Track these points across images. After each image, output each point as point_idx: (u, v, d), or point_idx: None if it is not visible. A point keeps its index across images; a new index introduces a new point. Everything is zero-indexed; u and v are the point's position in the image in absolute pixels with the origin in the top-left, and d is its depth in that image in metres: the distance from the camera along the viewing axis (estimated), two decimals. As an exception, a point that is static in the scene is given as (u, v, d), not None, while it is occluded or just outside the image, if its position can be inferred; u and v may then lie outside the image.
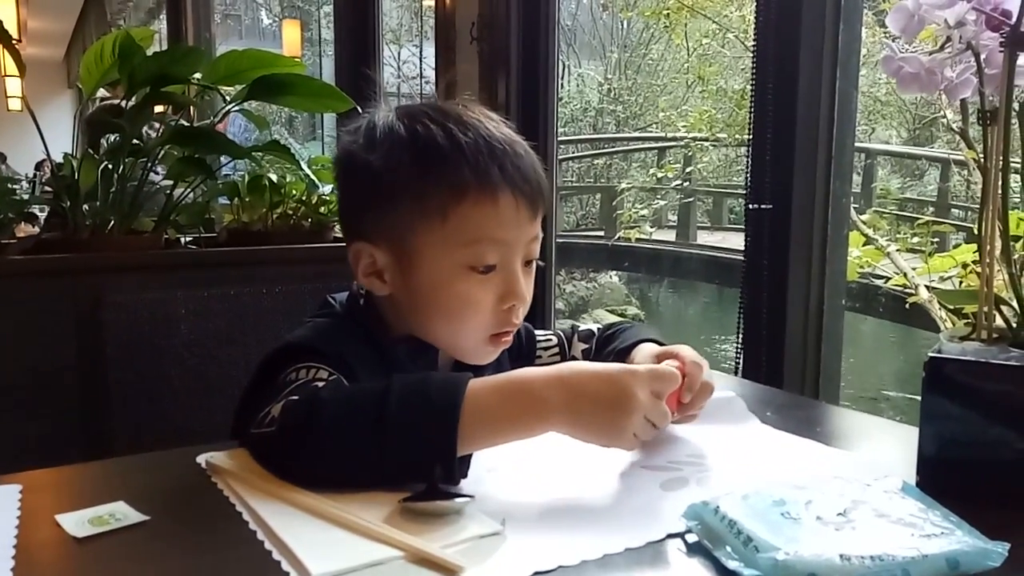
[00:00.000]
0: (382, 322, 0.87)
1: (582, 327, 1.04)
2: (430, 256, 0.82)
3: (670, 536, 0.57)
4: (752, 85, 1.51)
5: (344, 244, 0.89)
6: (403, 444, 0.64)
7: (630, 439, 0.68)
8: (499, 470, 0.70)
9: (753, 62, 1.51)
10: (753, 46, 1.52)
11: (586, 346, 1.01)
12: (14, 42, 1.82)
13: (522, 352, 1.01)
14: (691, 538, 0.56)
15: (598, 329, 1.02)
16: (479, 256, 0.81)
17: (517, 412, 0.67)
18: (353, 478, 0.65)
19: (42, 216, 2.02)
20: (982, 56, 0.67)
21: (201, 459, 0.70)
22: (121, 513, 0.59)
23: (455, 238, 0.81)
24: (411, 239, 0.82)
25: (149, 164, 1.66)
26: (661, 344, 0.91)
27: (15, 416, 1.27)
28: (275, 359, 0.78)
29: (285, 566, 0.52)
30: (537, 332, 1.04)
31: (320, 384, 0.72)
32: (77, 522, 0.57)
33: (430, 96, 1.10)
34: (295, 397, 0.69)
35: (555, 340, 1.02)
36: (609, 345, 0.97)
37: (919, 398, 0.65)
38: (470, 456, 0.67)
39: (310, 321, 0.90)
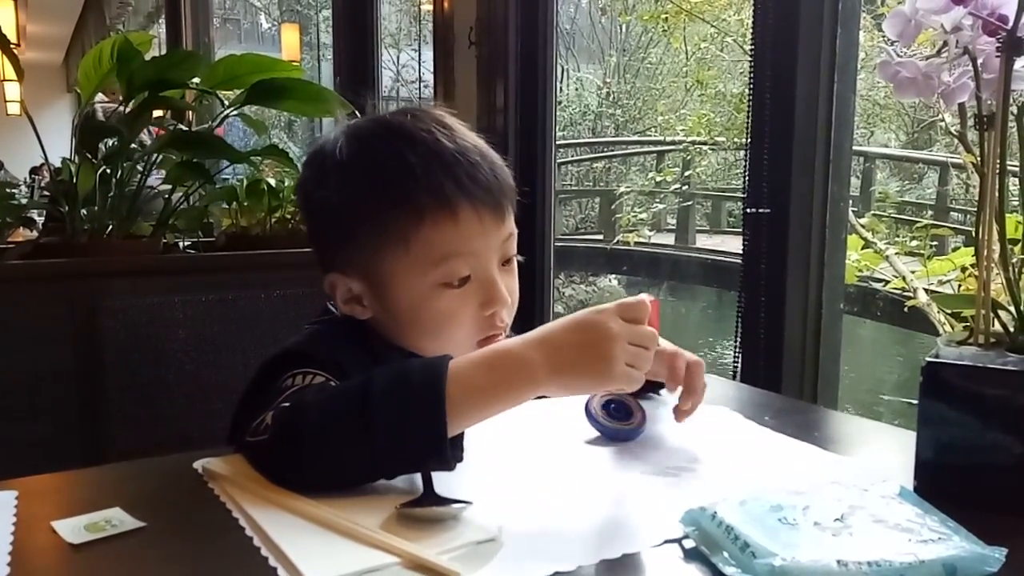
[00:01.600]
0: (379, 331, 0.87)
1: None
2: (402, 281, 0.80)
3: (667, 542, 0.57)
4: (750, 89, 1.51)
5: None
6: (390, 431, 0.63)
7: (622, 370, 0.66)
8: (496, 476, 0.70)
9: (751, 66, 1.51)
10: (751, 50, 1.52)
11: None
12: (13, 47, 1.82)
13: None
14: (688, 544, 0.56)
15: None
16: (450, 273, 0.79)
17: (503, 379, 0.66)
18: (347, 476, 0.65)
19: (40, 221, 2.02)
20: (979, 61, 0.67)
21: (198, 465, 0.69)
22: (117, 519, 0.58)
23: (422, 260, 0.79)
24: (379, 267, 0.81)
25: (147, 169, 1.66)
26: None
27: (12, 420, 1.27)
28: (272, 366, 0.78)
29: (282, 572, 0.52)
30: None
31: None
32: (73, 528, 0.57)
33: (427, 100, 1.10)
34: (286, 404, 0.68)
35: None
36: None
37: (915, 401, 0.65)
38: (462, 438, 0.66)
39: (308, 328, 0.90)
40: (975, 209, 0.69)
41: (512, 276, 0.86)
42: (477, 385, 0.65)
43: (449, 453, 0.63)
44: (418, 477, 0.65)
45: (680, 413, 0.82)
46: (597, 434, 0.81)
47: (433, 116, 0.85)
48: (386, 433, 0.63)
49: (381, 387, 0.65)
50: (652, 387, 0.91)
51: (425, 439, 0.63)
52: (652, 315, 0.73)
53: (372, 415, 0.64)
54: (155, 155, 1.66)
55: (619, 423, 0.82)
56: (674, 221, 9.51)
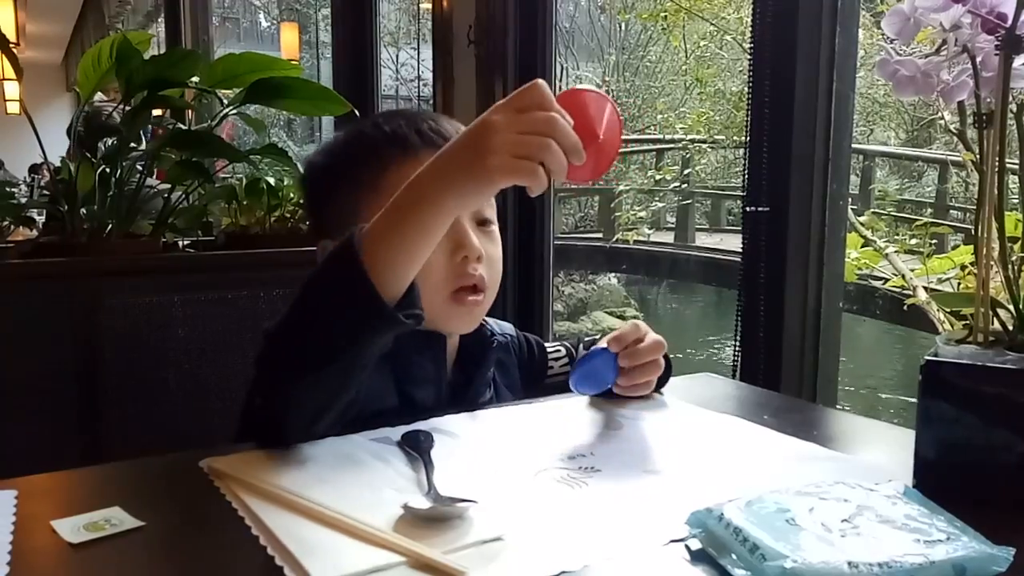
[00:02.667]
0: None
1: (587, 338, 1.06)
2: None
3: (672, 542, 0.57)
4: (749, 87, 1.51)
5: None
6: (326, 302, 0.66)
7: (500, 161, 0.62)
8: (501, 475, 0.70)
9: (750, 64, 1.51)
10: (750, 48, 1.52)
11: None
12: (12, 46, 1.81)
13: (534, 364, 1.03)
14: (694, 544, 0.56)
15: (599, 338, 1.04)
16: None
17: (401, 207, 0.66)
18: (327, 376, 0.67)
19: (40, 220, 2.02)
20: (978, 59, 0.67)
21: (203, 464, 0.69)
22: (117, 519, 0.58)
23: None
24: (355, 221, 0.84)
25: (146, 168, 1.66)
26: None
27: (11, 420, 1.27)
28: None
29: (287, 572, 0.52)
30: (546, 344, 1.06)
31: None
32: (72, 528, 0.57)
33: (426, 98, 1.15)
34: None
35: (563, 351, 1.05)
36: None
37: (913, 399, 0.65)
38: (413, 297, 0.67)
39: None
40: (975, 207, 0.69)
41: (491, 240, 0.89)
42: (383, 226, 0.66)
43: (385, 305, 0.64)
44: (423, 476, 0.65)
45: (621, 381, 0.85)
46: (602, 434, 0.81)
47: (429, 111, 0.94)
48: (326, 316, 0.65)
49: (309, 275, 0.68)
50: (657, 386, 0.92)
51: (355, 295, 0.63)
52: (588, 108, 0.67)
53: (307, 299, 0.67)
54: (154, 154, 1.66)
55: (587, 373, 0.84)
56: (673, 219, 9.51)
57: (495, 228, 0.90)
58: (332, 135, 0.99)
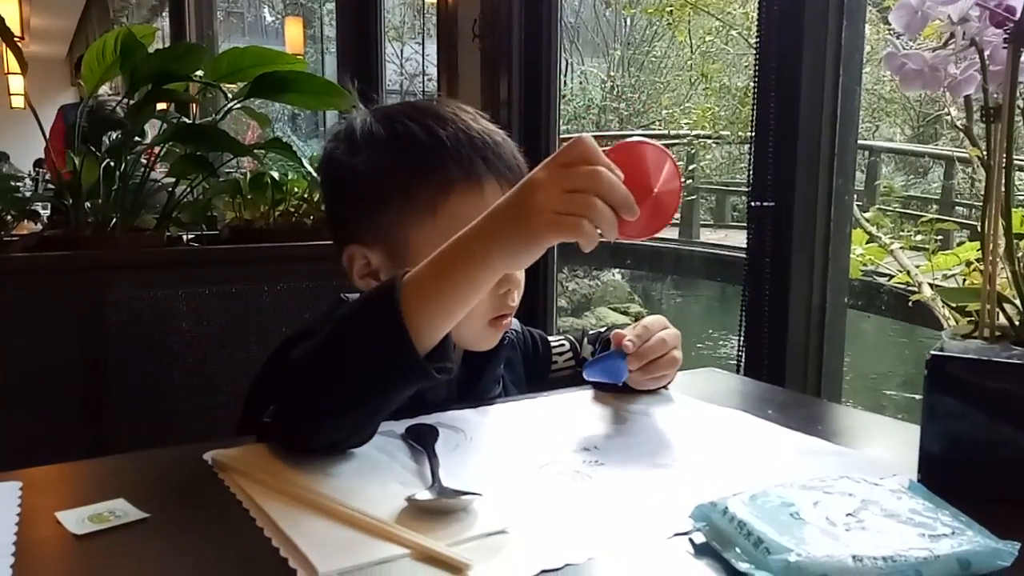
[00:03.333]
0: None
1: (591, 331, 1.06)
2: (424, 251, 0.81)
3: (677, 535, 0.57)
4: (755, 82, 1.50)
5: (334, 248, 0.91)
6: (357, 350, 0.64)
7: (546, 219, 0.60)
8: (506, 468, 0.70)
9: (756, 59, 1.51)
10: (756, 43, 1.52)
11: (593, 348, 1.02)
12: (16, 39, 1.82)
13: (538, 358, 1.03)
14: (697, 538, 0.56)
15: (603, 331, 1.03)
16: None
17: (447, 264, 0.64)
18: (351, 415, 0.66)
19: (45, 214, 2.02)
20: (986, 53, 0.66)
21: (207, 456, 0.70)
22: (121, 510, 0.59)
23: (446, 232, 0.80)
24: (403, 237, 0.83)
25: (150, 162, 1.66)
26: None
27: (16, 413, 1.28)
28: (285, 347, 0.78)
29: (292, 564, 0.52)
30: (550, 338, 1.05)
31: None
32: (77, 519, 0.57)
33: (431, 93, 1.11)
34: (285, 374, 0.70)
35: (567, 345, 1.05)
36: None
37: (918, 396, 0.65)
38: (446, 348, 0.65)
39: (321, 316, 0.91)
40: (980, 203, 0.69)
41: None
42: (426, 279, 0.64)
43: (419, 360, 0.62)
44: (427, 469, 0.65)
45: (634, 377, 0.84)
46: (606, 428, 0.81)
47: (456, 103, 0.89)
48: (356, 360, 0.64)
49: (343, 314, 0.66)
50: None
51: (391, 345, 0.62)
52: (642, 161, 0.65)
53: (340, 339, 0.65)
54: (159, 148, 1.66)
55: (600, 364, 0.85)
56: (678, 215, 9.50)
57: None
58: (351, 123, 0.87)
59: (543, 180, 0.61)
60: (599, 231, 0.61)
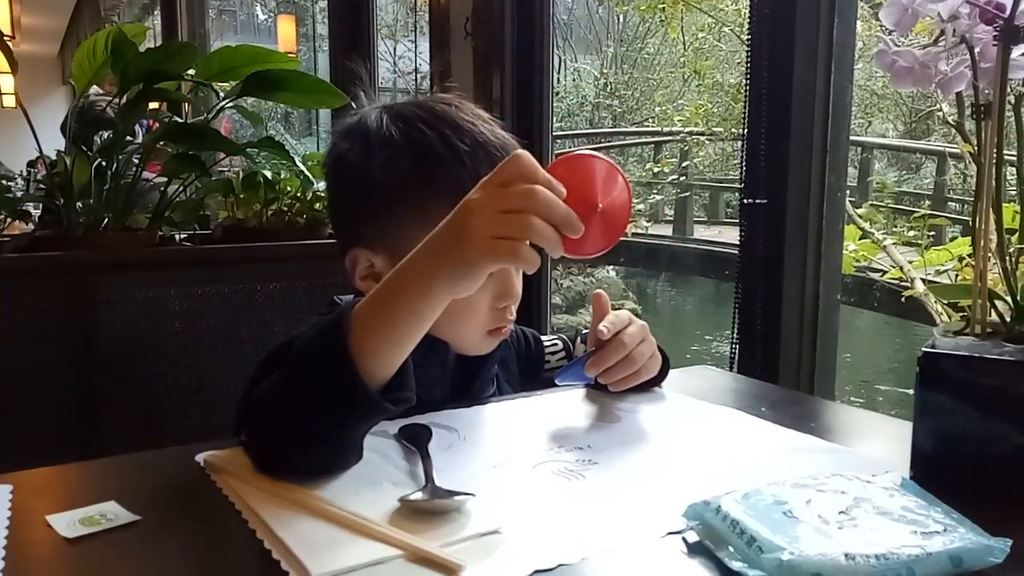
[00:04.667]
0: None
1: (584, 330, 1.05)
2: None
3: (670, 534, 0.57)
4: (747, 79, 1.50)
5: (336, 246, 0.89)
6: (312, 388, 0.62)
7: (482, 244, 0.57)
8: (499, 468, 0.70)
9: (748, 56, 1.51)
10: (748, 39, 1.52)
11: (586, 347, 1.02)
12: (7, 38, 1.81)
13: (531, 357, 1.03)
14: (691, 537, 0.56)
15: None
16: None
17: (392, 293, 0.62)
18: (316, 450, 0.64)
19: (36, 214, 2.01)
20: (976, 50, 0.67)
21: (200, 458, 0.69)
22: (112, 513, 0.58)
23: None
24: (411, 247, 0.82)
25: (142, 161, 1.66)
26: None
27: (7, 414, 1.27)
28: (275, 356, 0.78)
29: (284, 566, 0.52)
30: (543, 337, 1.05)
31: None
32: (68, 523, 0.57)
33: (424, 91, 1.09)
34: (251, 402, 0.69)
35: (560, 344, 1.05)
36: None
37: (912, 390, 0.65)
38: (406, 378, 0.64)
39: (315, 319, 0.90)
40: (973, 199, 0.69)
41: (519, 273, 0.87)
42: (372, 308, 0.62)
43: (372, 394, 0.61)
44: (420, 469, 0.65)
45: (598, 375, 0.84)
46: (600, 427, 0.81)
47: (473, 108, 0.86)
48: (308, 397, 0.63)
49: (298, 348, 0.65)
50: (655, 381, 0.92)
51: (340, 380, 0.61)
52: (586, 175, 0.61)
53: (295, 375, 0.64)
54: (151, 147, 1.65)
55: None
56: (672, 212, 9.51)
57: None
58: (365, 121, 0.85)
59: (478, 202, 0.58)
60: (543, 250, 0.58)
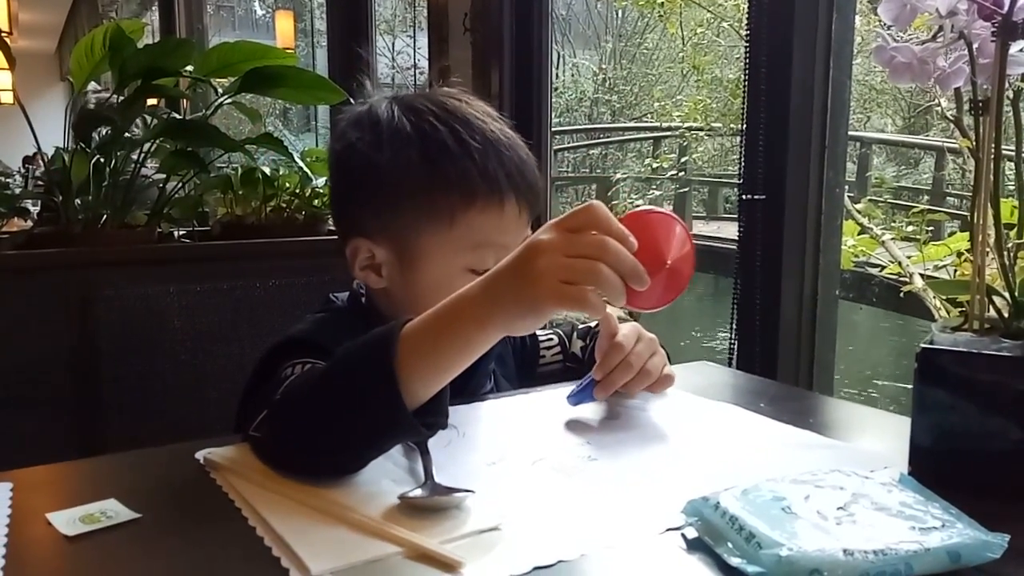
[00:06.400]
0: (383, 318, 0.87)
1: (580, 325, 1.05)
2: (434, 258, 0.82)
3: (669, 530, 0.57)
4: (745, 74, 1.50)
5: (336, 235, 0.89)
6: (349, 405, 0.62)
7: (548, 287, 0.57)
8: (498, 464, 0.70)
9: (746, 51, 1.51)
10: (746, 35, 1.51)
11: (583, 343, 1.02)
12: (4, 35, 1.80)
13: (526, 352, 1.03)
14: (690, 533, 0.56)
15: (593, 325, 1.03)
16: (482, 260, 0.81)
17: (447, 325, 0.61)
18: (337, 458, 0.64)
19: (34, 211, 2.01)
20: (974, 46, 0.67)
21: (200, 455, 0.69)
22: (112, 511, 0.58)
23: (461, 242, 0.81)
24: (415, 240, 0.82)
25: (140, 158, 1.65)
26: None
27: (6, 411, 1.27)
28: (275, 354, 0.78)
29: (285, 563, 0.52)
30: (539, 332, 1.05)
31: None
32: (68, 520, 0.57)
33: (423, 87, 1.09)
34: (277, 397, 0.68)
35: (555, 339, 1.04)
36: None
37: (910, 385, 0.65)
38: (441, 403, 0.64)
39: (311, 316, 0.90)
40: (970, 194, 0.69)
41: None
42: (423, 335, 0.62)
43: (408, 417, 0.61)
44: (420, 466, 0.65)
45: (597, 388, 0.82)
46: (599, 423, 0.82)
47: (482, 105, 0.87)
48: (346, 408, 0.62)
49: (342, 353, 0.64)
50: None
51: (383, 407, 0.61)
52: (656, 231, 0.62)
53: (332, 389, 0.63)
54: (149, 144, 1.65)
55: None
56: (671, 207, 9.52)
57: None
58: (375, 111, 0.85)
59: (547, 245, 0.58)
60: (605, 300, 0.58)
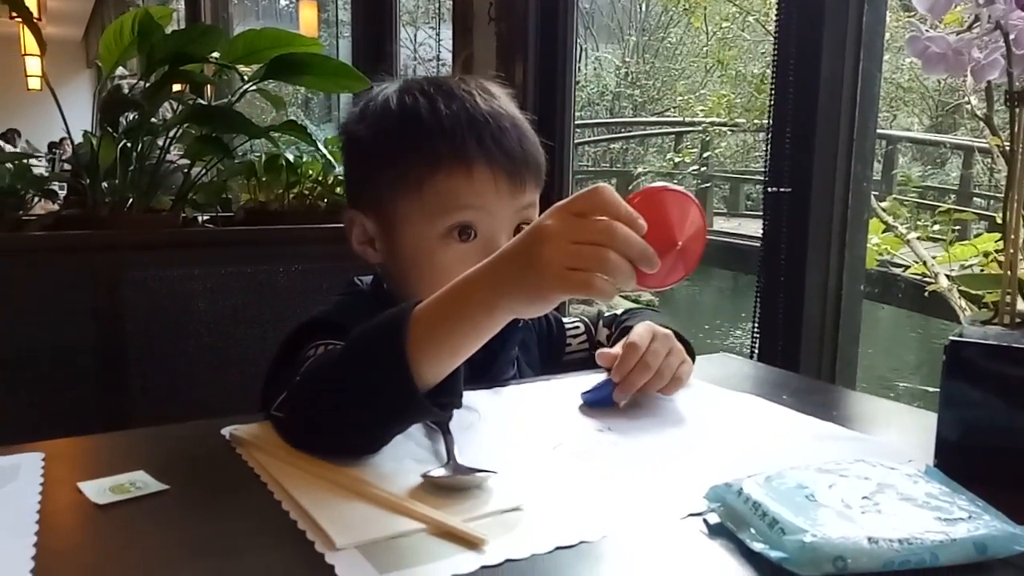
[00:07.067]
0: (397, 300, 0.87)
1: (607, 313, 1.05)
2: (411, 227, 0.83)
3: (691, 515, 0.57)
4: (773, 67, 1.49)
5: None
6: (362, 387, 0.62)
7: (555, 272, 0.57)
8: (520, 447, 0.70)
9: (775, 44, 1.49)
10: (776, 26, 1.50)
11: (608, 331, 1.02)
12: (35, 20, 1.82)
13: (552, 340, 1.03)
14: (712, 518, 0.56)
15: (619, 313, 1.03)
16: (457, 220, 0.81)
17: (456, 308, 0.61)
18: (356, 438, 0.65)
19: (62, 194, 2.04)
20: (1011, 36, 0.66)
21: (226, 431, 0.70)
22: (142, 482, 0.59)
23: (431, 208, 0.82)
24: (392, 208, 0.84)
25: (166, 143, 1.67)
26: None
27: (35, 391, 1.29)
28: (298, 335, 0.79)
29: (310, 536, 0.52)
30: (564, 319, 1.05)
31: None
32: (98, 489, 0.58)
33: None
34: (298, 378, 0.69)
35: (582, 327, 1.04)
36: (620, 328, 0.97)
37: (931, 388, 0.65)
38: (455, 384, 0.64)
39: (335, 298, 0.92)
40: (999, 195, 0.68)
41: None
42: (434, 319, 0.62)
43: (420, 398, 0.61)
44: (442, 447, 0.66)
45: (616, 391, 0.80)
46: (621, 409, 0.81)
47: (480, 82, 0.88)
48: (360, 390, 0.63)
49: (350, 345, 0.65)
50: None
51: (395, 389, 0.61)
52: (666, 210, 0.60)
53: (346, 373, 0.64)
54: (175, 129, 1.66)
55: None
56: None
57: None
58: (374, 96, 0.88)
59: (553, 231, 0.57)
60: (615, 283, 0.57)
